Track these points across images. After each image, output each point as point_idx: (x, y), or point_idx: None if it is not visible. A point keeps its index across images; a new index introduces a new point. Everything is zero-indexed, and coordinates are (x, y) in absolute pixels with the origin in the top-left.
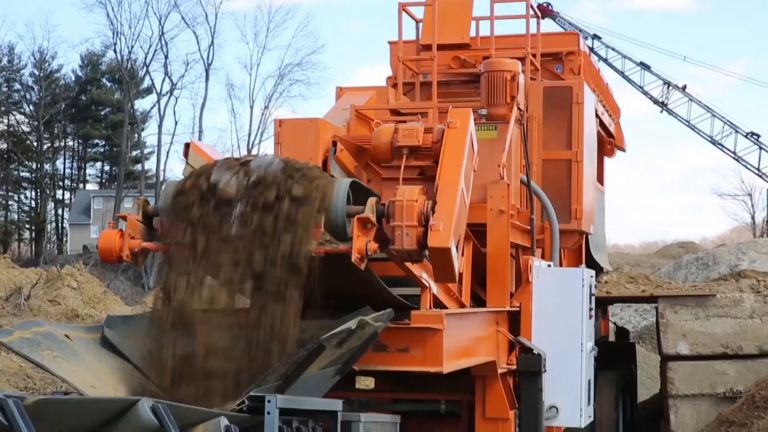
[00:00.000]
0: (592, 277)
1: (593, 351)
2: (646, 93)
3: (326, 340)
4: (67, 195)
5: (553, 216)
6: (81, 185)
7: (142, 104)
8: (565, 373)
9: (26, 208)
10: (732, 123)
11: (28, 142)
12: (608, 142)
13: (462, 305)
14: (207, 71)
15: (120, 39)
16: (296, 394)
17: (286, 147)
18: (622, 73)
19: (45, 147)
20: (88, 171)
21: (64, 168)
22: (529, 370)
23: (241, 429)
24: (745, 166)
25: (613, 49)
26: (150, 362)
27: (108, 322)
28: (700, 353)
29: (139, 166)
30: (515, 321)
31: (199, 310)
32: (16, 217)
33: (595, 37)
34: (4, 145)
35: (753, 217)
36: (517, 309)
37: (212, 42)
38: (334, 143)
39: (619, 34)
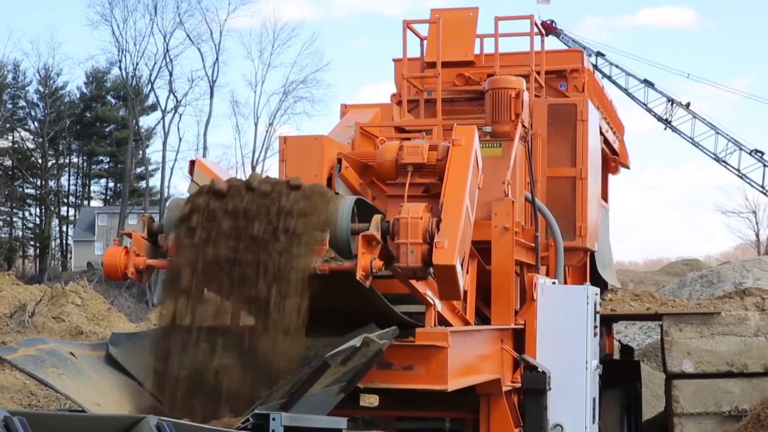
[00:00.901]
0: (596, 294)
1: (598, 369)
2: (650, 110)
3: (331, 357)
4: (71, 212)
5: (557, 233)
6: (85, 202)
7: (146, 121)
8: (570, 391)
9: (31, 225)
10: (736, 140)
11: (32, 158)
12: (612, 160)
13: (466, 323)
14: (211, 88)
15: (125, 56)
16: (301, 411)
17: (291, 164)
18: (626, 91)
19: (49, 164)
20: (92, 188)
21: (69, 185)
22: (533, 388)
23: None
24: (749, 184)
25: (616, 66)
26: (155, 379)
27: (113, 340)
28: (705, 371)
29: (143, 183)
30: (520, 339)
31: (204, 328)
32: (20, 233)
33: (599, 54)
34: (9, 162)
35: (757, 235)
36: (522, 326)
37: (217, 59)
38: (339, 160)
39: (622, 51)
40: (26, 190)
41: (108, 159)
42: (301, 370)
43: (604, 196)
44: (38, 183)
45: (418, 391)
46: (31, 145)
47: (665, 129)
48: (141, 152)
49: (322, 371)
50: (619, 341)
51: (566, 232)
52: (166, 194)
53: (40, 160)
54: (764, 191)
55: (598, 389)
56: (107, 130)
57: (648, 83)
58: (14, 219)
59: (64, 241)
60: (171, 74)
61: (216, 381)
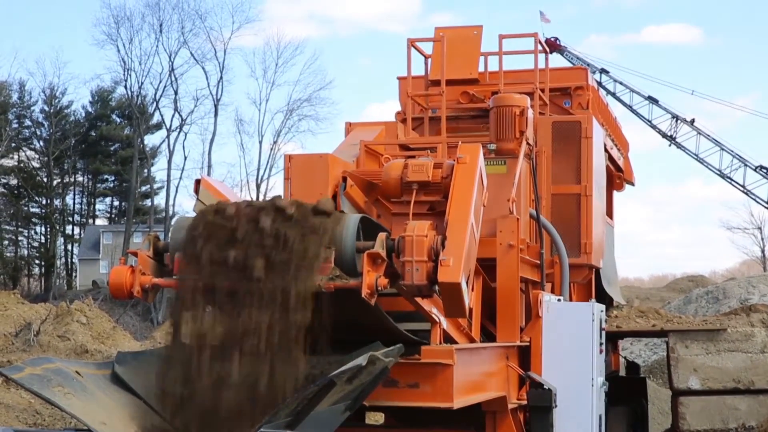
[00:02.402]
0: (602, 311)
1: (604, 386)
2: (654, 127)
3: (336, 375)
4: (76, 230)
5: (562, 250)
6: (90, 220)
7: (151, 140)
8: (576, 409)
9: (36, 244)
10: (741, 156)
11: (38, 177)
12: (617, 176)
13: (472, 340)
14: (216, 107)
15: (130, 75)
16: (306, 430)
17: (295, 182)
18: (630, 107)
19: (55, 182)
20: (97, 206)
21: (74, 203)
22: (539, 406)
23: None
24: (755, 200)
25: (621, 83)
26: (161, 398)
27: (118, 359)
28: (712, 388)
29: (148, 202)
30: (525, 356)
31: (209, 346)
32: (25, 252)
33: (603, 71)
34: (15, 181)
35: (763, 251)
36: (528, 344)
37: (221, 78)
38: (344, 178)
39: (626, 68)
40: (31, 209)
41: (113, 178)
42: (306, 388)
43: (609, 213)
44: (43, 202)
45: (423, 408)
46: (36, 164)
47: (670, 145)
48: (146, 171)
49: (328, 389)
50: (625, 358)
51: (571, 249)
52: (171, 213)
53: (45, 179)
54: None
55: (604, 406)
56: (112, 148)
57: (652, 100)
58: (19, 238)
59: (69, 260)
60: (176, 93)
61: (221, 400)
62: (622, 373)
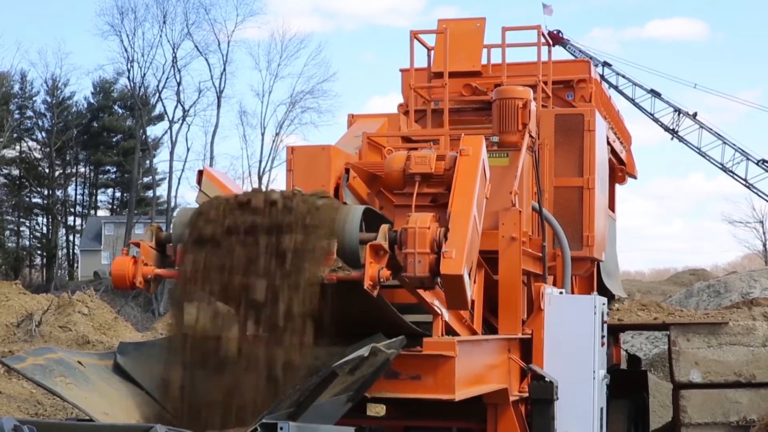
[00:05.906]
0: (604, 304)
1: (605, 379)
2: (656, 120)
3: (338, 367)
4: (78, 221)
5: (564, 243)
6: (92, 211)
7: (153, 131)
8: (577, 401)
9: (38, 234)
10: (743, 150)
11: (40, 168)
12: (619, 170)
13: (474, 332)
14: (219, 98)
15: (133, 66)
16: (308, 421)
17: (298, 174)
18: (632, 101)
19: (57, 173)
20: (99, 197)
21: (76, 194)
22: (541, 398)
23: None
24: (757, 194)
25: (623, 76)
26: (163, 389)
27: (120, 349)
28: (713, 381)
29: (150, 193)
30: (527, 348)
31: (212, 337)
32: (27, 243)
33: (606, 64)
34: (16, 172)
35: (764, 245)
36: (529, 336)
37: (224, 70)
38: (347, 170)
39: (629, 61)
40: (33, 200)
41: (115, 169)
42: (309, 380)
43: (611, 206)
44: (45, 193)
45: (425, 400)
46: (38, 155)
47: (672, 139)
48: (148, 162)
49: (330, 380)
50: (626, 351)
51: (573, 242)
52: (173, 204)
53: (47, 170)
54: None
55: (605, 399)
56: (114, 139)
57: (655, 93)
58: (21, 228)
59: (70, 251)
60: (179, 84)
61: (224, 390)
62: (624, 366)
